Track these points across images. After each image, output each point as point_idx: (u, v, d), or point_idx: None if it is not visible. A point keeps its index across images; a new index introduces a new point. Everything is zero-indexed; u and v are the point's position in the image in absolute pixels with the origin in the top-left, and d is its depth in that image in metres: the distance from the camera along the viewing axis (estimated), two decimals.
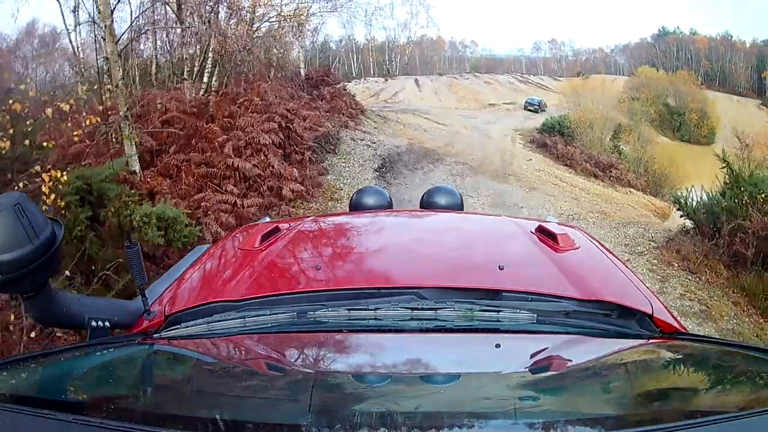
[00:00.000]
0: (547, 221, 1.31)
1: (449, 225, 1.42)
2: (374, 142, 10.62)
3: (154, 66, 8.77)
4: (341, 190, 7.89)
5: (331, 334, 0.84)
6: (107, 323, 0.91)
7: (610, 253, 1.25)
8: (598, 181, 13.52)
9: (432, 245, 1.21)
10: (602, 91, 22.25)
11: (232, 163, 6.40)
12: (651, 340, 0.86)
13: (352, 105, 12.56)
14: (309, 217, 1.64)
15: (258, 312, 0.86)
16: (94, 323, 0.90)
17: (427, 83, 25.03)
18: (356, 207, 1.83)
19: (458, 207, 1.79)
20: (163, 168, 6.25)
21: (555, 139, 15.47)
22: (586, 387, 0.71)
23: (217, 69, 8.05)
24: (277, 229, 1.20)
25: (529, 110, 22.29)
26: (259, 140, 6.81)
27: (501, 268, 0.95)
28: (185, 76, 7.98)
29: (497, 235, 1.30)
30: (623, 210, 10.73)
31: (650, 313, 0.91)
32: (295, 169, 7.13)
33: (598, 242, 1.26)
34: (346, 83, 16.10)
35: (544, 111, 21.59)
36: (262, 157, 6.78)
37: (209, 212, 5.69)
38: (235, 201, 6.10)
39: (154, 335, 0.89)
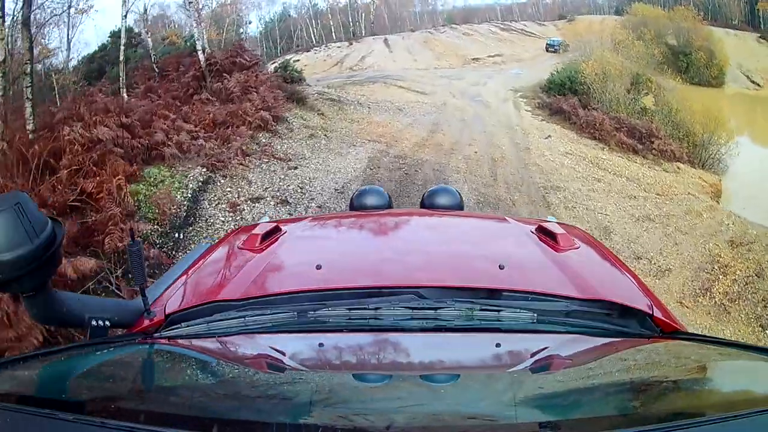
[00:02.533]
0: (547, 221, 1.32)
1: (449, 225, 1.42)
2: (300, 182, 5.76)
3: None
4: None
5: (331, 334, 0.84)
6: (107, 323, 0.91)
7: (610, 253, 1.25)
8: (639, 159, 9.97)
9: (432, 245, 1.21)
10: (600, 33, 18.47)
11: None
12: (651, 340, 0.86)
13: (271, 101, 7.85)
14: (309, 216, 1.64)
15: (258, 312, 0.86)
16: (94, 323, 0.90)
17: (399, 42, 20.83)
18: (356, 207, 1.83)
19: (458, 207, 1.80)
20: None
21: (572, 102, 11.72)
22: (586, 387, 0.71)
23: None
24: (277, 229, 1.20)
25: (550, 52, 19.78)
26: None
27: (501, 268, 0.95)
28: None
29: (497, 234, 1.30)
30: (687, 204, 7.84)
31: (650, 312, 0.91)
32: None
33: (598, 242, 1.27)
34: (279, 60, 13.33)
35: (567, 51, 18.55)
36: None
37: None
38: None
39: (155, 335, 0.89)
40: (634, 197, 7.82)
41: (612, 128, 10.69)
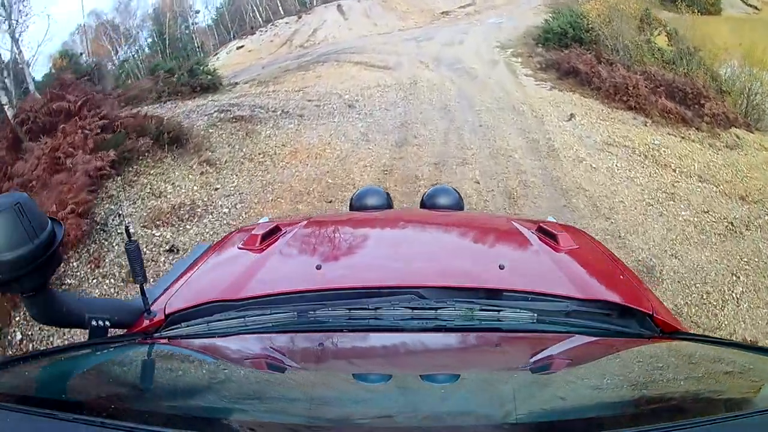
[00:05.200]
0: (547, 221, 1.32)
1: (449, 225, 1.42)
2: None
3: None
4: None
5: (331, 334, 0.84)
6: (107, 322, 0.91)
7: (610, 253, 1.25)
8: (693, 134, 6.58)
9: (432, 245, 1.21)
10: None
11: None
12: (651, 340, 0.86)
13: (92, 173, 4.45)
14: (309, 217, 1.64)
15: (258, 312, 0.86)
16: (94, 322, 0.90)
17: (355, 6, 17.65)
18: (356, 207, 1.83)
19: (458, 207, 1.80)
20: None
21: (587, 57, 8.41)
22: (586, 387, 0.71)
23: None
24: (277, 229, 1.20)
25: None
26: None
27: (501, 268, 0.95)
28: None
29: (497, 234, 1.30)
30: None
31: (650, 312, 0.91)
32: None
33: (598, 242, 1.27)
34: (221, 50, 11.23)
35: None
36: None
37: None
38: None
39: (155, 335, 0.89)
40: (730, 225, 4.67)
41: (648, 90, 7.21)
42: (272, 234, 1.17)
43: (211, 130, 5.96)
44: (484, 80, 8.48)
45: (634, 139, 6.21)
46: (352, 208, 1.87)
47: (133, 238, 0.91)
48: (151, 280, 3.19)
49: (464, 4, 17.03)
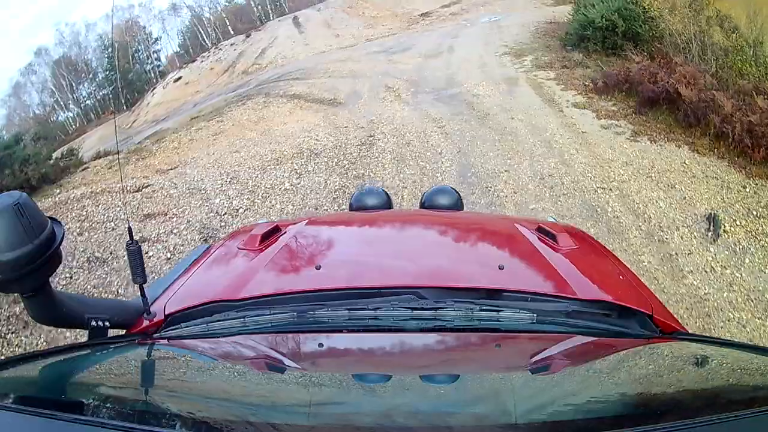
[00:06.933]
0: (546, 221, 1.32)
1: (449, 225, 1.42)
2: None
3: None
4: None
5: (331, 334, 0.84)
6: (107, 323, 0.91)
7: (610, 253, 1.25)
8: None
9: (432, 245, 1.21)
10: None
11: None
12: (651, 340, 0.86)
13: None
14: (309, 217, 1.64)
15: (258, 312, 0.86)
16: (93, 323, 0.90)
17: (314, 17, 15.03)
18: (356, 207, 1.83)
19: (458, 207, 1.80)
20: None
21: (687, 71, 4.58)
22: (586, 387, 0.71)
23: None
24: (277, 229, 1.20)
25: None
26: None
27: (501, 268, 0.95)
28: None
29: (497, 234, 1.30)
30: None
31: (650, 313, 0.91)
32: None
33: (598, 242, 1.27)
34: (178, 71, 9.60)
35: None
36: None
37: None
38: None
39: (154, 335, 0.89)
40: None
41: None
42: (272, 234, 1.17)
43: None
44: (504, 125, 4.51)
45: None
46: (351, 208, 1.87)
47: (134, 240, 0.92)
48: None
49: (448, 2, 14.47)
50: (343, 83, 6.97)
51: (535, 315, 0.84)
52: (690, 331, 0.98)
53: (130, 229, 0.93)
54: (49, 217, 0.83)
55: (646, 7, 6.24)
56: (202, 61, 14.59)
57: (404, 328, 0.83)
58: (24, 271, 0.77)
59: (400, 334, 0.83)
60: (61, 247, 0.83)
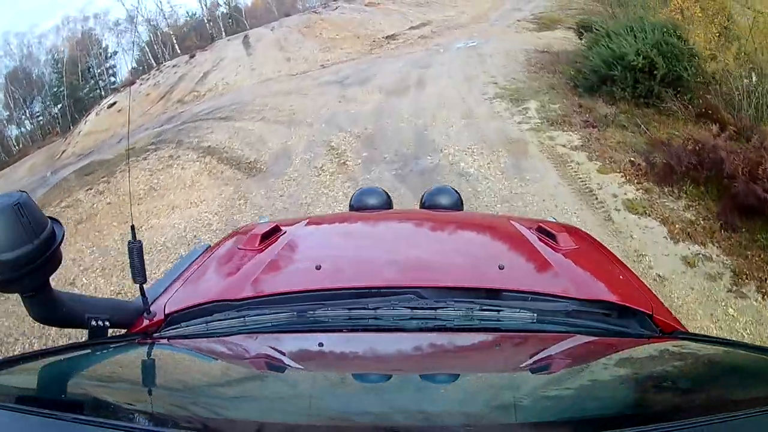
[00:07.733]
0: (546, 221, 1.32)
1: (449, 225, 1.42)
2: None
3: None
4: None
5: (331, 334, 0.84)
6: (107, 322, 0.91)
7: (610, 253, 1.25)
8: None
9: (432, 245, 1.21)
10: None
11: None
12: (651, 340, 0.86)
13: None
14: (309, 217, 1.64)
15: (258, 312, 0.86)
16: (93, 322, 0.90)
17: (267, 36, 13.67)
18: (356, 207, 1.83)
19: (458, 207, 1.79)
20: None
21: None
22: (586, 387, 0.71)
23: None
24: (276, 229, 1.20)
25: None
26: None
27: (501, 268, 0.95)
28: None
29: (497, 234, 1.30)
30: None
31: (650, 312, 0.91)
32: None
33: (598, 242, 1.27)
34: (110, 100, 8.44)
35: None
36: None
37: None
38: None
39: (154, 335, 0.89)
40: None
41: None
42: (272, 234, 1.17)
43: None
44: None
45: None
46: (352, 208, 1.87)
47: (137, 238, 0.92)
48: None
49: (417, 23, 12.73)
50: (275, 133, 5.51)
51: (534, 315, 0.84)
52: (690, 332, 0.98)
53: (133, 228, 0.94)
54: (49, 217, 0.83)
55: (692, 42, 4.48)
56: (141, 84, 13.11)
57: (404, 327, 0.83)
58: (24, 271, 0.77)
59: (399, 333, 0.83)
60: (61, 247, 0.83)
